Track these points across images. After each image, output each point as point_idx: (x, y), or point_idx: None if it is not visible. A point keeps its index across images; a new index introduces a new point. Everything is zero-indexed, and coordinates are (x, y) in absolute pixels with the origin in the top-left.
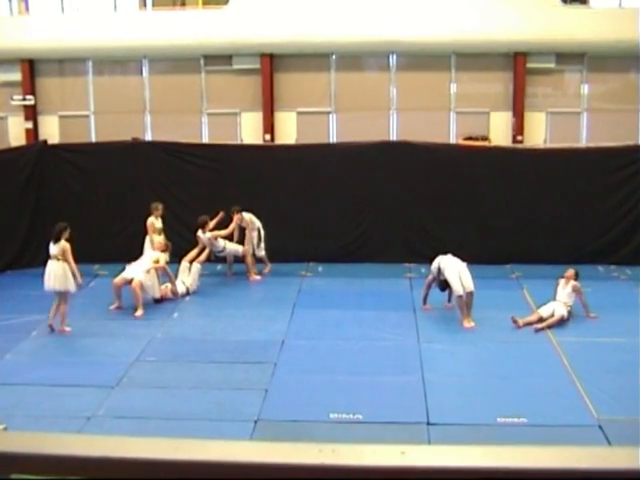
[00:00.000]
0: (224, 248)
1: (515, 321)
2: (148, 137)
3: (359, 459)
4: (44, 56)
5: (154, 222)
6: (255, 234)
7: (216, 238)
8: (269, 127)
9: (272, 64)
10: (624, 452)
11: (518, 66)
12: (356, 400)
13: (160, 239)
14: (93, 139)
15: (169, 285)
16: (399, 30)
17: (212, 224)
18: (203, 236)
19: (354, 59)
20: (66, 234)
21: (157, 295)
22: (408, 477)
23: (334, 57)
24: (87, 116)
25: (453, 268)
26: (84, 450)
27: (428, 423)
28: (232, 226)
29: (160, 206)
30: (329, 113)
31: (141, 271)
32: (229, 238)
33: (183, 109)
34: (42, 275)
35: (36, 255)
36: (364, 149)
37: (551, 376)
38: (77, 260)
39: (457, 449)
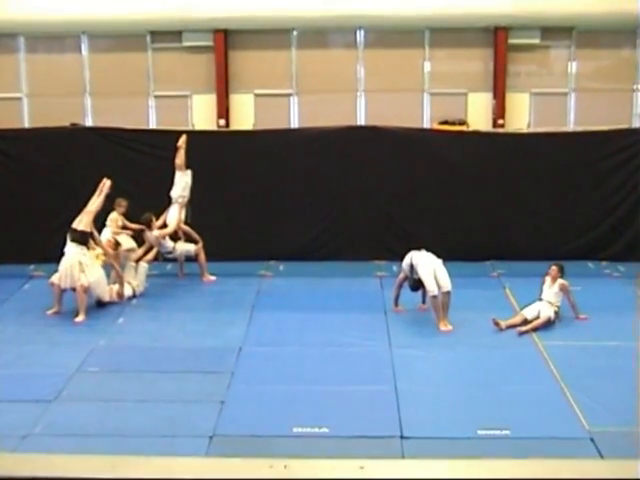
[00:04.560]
0: (174, 249)
1: (497, 323)
2: (89, 122)
3: (313, 474)
4: None
5: (117, 219)
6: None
7: (164, 237)
8: (224, 111)
9: (226, 41)
10: (617, 465)
11: (499, 42)
12: (322, 412)
13: (110, 237)
14: (26, 124)
15: (114, 287)
16: (367, 3)
17: (160, 222)
18: (150, 234)
19: (317, 35)
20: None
21: (106, 298)
22: None
23: (295, 33)
24: (19, 99)
25: (427, 265)
26: (9, 470)
27: (402, 437)
28: (176, 221)
29: (124, 202)
30: (290, 95)
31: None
32: (176, 236)
33: (128, 91)
34: None
35: None
36: (329, 135)
37: (537, 383)
38: (10, 260)
39: (421, 463)
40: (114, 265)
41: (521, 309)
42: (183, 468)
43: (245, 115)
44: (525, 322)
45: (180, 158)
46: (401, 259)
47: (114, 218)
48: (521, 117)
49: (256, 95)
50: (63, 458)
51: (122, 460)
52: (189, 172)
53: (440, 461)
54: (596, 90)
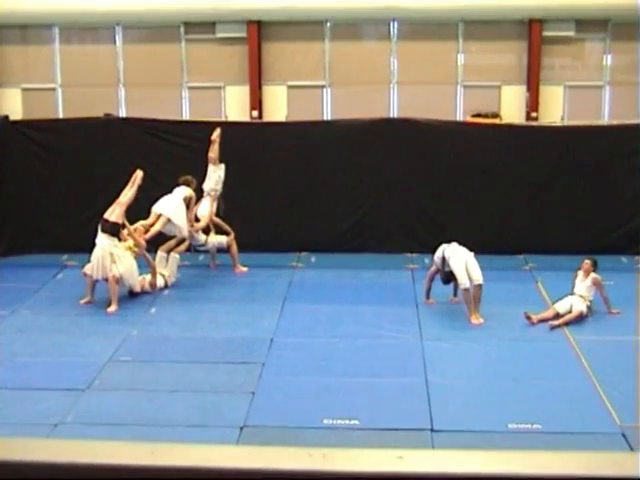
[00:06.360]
0: (206, 242)
1: (528, 317)
2: (122, 113)
3: (352, 464)
4: (4, 21)
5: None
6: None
7: (197, 230)
8: (257, 102)
9: (260, 32)
10: None
11: (533, 34)
12: (352, 404)
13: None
14: (60, 115)
15: (146, 277)
16: None
17: (191, 215)
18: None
19: (351, 27)
20: None
21: (138, 288)
22: None
23: (329, 25)
24: (54, 89)
25: (459, 258)
26: (49, 456)
27: (432, 430)
28: (208, 214)
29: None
30: (323, 87)
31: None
32: (207, 229)
33: (161, 82)
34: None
35: None
36: (362, 127)
37: (568, 378)
38: (43, 249)
39: (460, 454)
40: (146, 255)
41: (553, 303)
42: (221, 456)
43: (278, 107)
44: (557, 316)
45: (214, 152)
46: (433, 252)
47: (190, 196)
48: (555, 110)
49: (289, 87)
50: (102, 444)
51: (161, 447)
52: (222, 166)
53: (481, 452)
54: (631, 83)
